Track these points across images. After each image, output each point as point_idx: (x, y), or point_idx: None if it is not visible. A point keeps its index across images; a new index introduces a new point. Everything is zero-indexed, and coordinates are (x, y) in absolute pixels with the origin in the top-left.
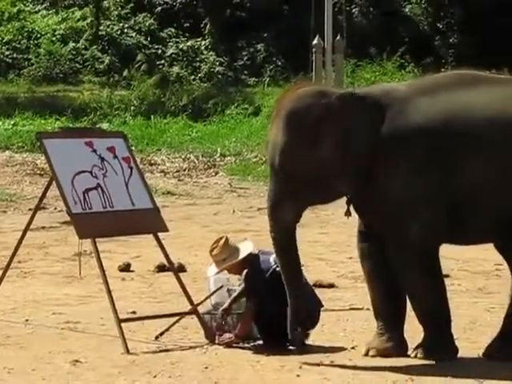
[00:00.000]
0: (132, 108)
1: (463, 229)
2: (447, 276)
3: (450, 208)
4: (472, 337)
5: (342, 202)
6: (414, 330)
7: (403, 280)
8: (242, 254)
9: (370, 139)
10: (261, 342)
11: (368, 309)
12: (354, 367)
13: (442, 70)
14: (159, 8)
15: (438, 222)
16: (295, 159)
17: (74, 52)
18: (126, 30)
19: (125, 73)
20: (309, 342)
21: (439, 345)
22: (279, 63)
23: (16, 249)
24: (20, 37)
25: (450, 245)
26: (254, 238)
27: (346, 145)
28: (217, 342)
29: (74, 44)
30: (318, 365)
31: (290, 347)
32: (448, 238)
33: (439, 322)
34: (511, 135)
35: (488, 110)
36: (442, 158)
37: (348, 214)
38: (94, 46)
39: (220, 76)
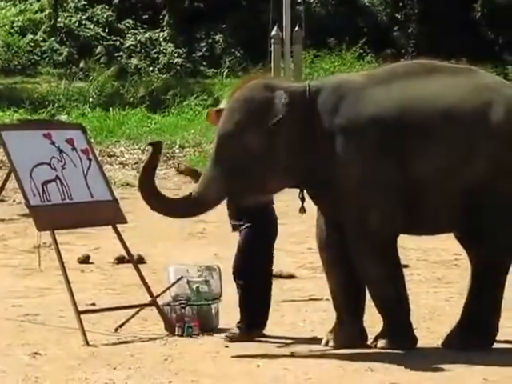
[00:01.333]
0: (90, 100)
1: (420, 218)
2: (406, 266)
3: (405, 197)
4: (431, 326)
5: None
6: (374, 320)
7: (362, 269)
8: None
9: (317, 133)
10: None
11: (327, 299)
12: (314, 357)
13: (401, 60)
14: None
15: (394, 210)
16: (237, 147)
17: (32, 44)
18: (83, 22)
19: (81, 64)
20: (268, 332)
21: (398, 334)
22: (238, 54)
23: None
24: None
25: (410, 235)
26: (213, 230)
27: (289, 138)
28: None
29: (32, 36)
30: (278, 355)
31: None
32: (406, 227)
33: (398, 312)
34: (463, 124)
35: (441, 100)
36: (395, 146)
37: (302, 210)
38: (52, 38)
39: (178, 67)
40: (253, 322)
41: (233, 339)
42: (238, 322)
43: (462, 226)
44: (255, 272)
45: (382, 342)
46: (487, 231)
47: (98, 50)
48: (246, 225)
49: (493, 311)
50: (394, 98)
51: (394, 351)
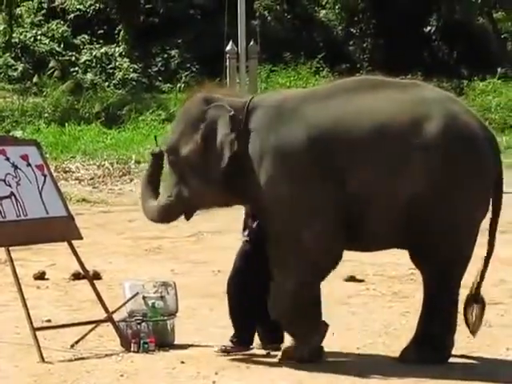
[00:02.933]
0: (45, 115)
1: (362, 234)
2: (362, 281)
3: (343, 215)
4: (387, 341)
5: None
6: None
7: (276, 283)
8: None
9: (250, 150)
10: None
11: None
12: (271, 372)
13: (357, 74)
14: (72, 15)
15: (328, 230)
16: (178, 158)
17: None
18: (39, 37)
19: (35, 79)
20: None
21: (302, 352)
22: (194, 69)
23: None
24: None
25: (359, 251)
26: (169, 245)
27: (216, 154)
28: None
29: None
30: (235, 371)
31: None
32: (350, 243)
33: (303, 329)
34: (397, 138)
35: (375, 115)
36: (328, 164)
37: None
38: (7, 54)
39: (134, 82)
40: (244, 336)
41: (226, 352)
42: (232, 336)
43: (405, 242)
44: (247, 287)
45: (281, 355)
46: (430, 246)
47: (51, 64)
48: (243, 239)
49: (446, 326)
50: (329, 115)
51: (356, 365)
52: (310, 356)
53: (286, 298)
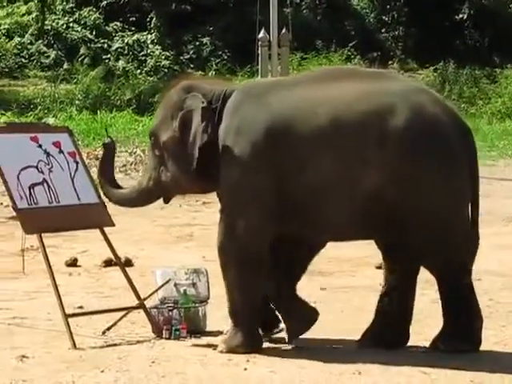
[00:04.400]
0: (77, 102)
1: (319, 225)
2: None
3: (292, 204)
4: (418, 329)
5: None
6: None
7: (224, 274)
8: None
9: (218, 136)
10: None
11: (315, 302)
12: (301, 360)
13: (390, 62)
14: (104, 2)
15: (268, 221)
16: (157, 143)
17: (20, 47)
18: (71, 25)
19: (65, 65)
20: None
21: (240, 338)
22: (225, 57)
23: None
24: None
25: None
26: (201, 232)
27: (189, 143)
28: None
29: (19, 39)
30: (266, 358)
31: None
32: (307, 231)
33: (246, 319)
34: (353, 130)
35: (334, 107)
36: (281, 155)
37: None
38: (40, 41)
39: (166, 70)
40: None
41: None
42: None
43: (374, 234)
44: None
45: (221, 346)
46: (404, 242)
47: (82, 51)
48: None
49: (467, 312)
50: (289, 104)
51: (382, 354)
52: (244, 343)
53: (228, 280)
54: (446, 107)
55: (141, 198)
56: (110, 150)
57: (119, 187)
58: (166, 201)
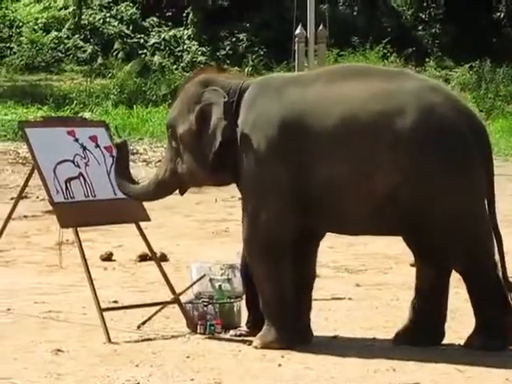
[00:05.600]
0: (112, 97)
1: (336, 219)
2: None
3: (309, 199)
4: (453, 326)
5: None
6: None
7: (251, 268)
8: None
9: (235, 129)
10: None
11: (350, 298)
12: (336, 356)
13: (426, 60)
14: None
15: (285, 212)
16: (173, 135)
17: (56, 41)
18: (108, 19)
19: (100, 60)
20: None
21: (274, 334)
22: (261, 53)
23: None
24: (2, 25)
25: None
26: (236, 228)
27: (208, 137)
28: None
29: (56, 33)
30: (300, 354)
31: None
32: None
33: (278, 313)
34: (365, 130)
35: (347, 106)
36: (296, 148)
37: None
38: (76, 35)
39: (202, 65)
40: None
41: (240, 337)
42: (247, 321)
43: (393, 231)
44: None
45: (257, 342)
46: (424, 237)
47: (116, 45)
48: None
49: (497, 306)
50: (304, 100)
51: (417, 351)
52: (278, 339)
53: (256, 275)
54: (459, 105)
55: (158, 190)
56: (123, 150)
57: (137, 183)
58: (182, 192)
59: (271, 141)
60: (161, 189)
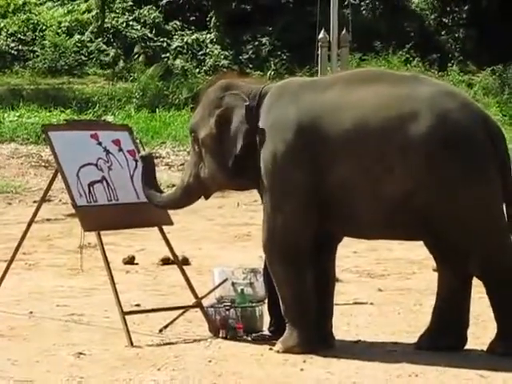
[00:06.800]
0: (134, 101)
1: (349, 222)
2: None
3: (317, 202)
4: (476, 332)
5: None
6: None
7: (270, 269)
8: None
9: (255, 133)
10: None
11: (372, 303)
12: (358, 361)
13: (449, 64)
14: (164, 1)
15: (302, 214)
16: (196, 139)
17: (79, 44)
18: (131, 23)
19: (121, 64)
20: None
21: (296, 338)
22: (284, 57)
23: (21, 241)
24: (25, 29)
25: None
26: (259, 232)
27: (229, 141)
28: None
29: (79, 36)
30: (322, 359)
31: None
32: (341, 231)
33: (298, 317)
34: (376, 135)
35: (360, 111)
36: (310, 153)
37: None
38: (99, 39)
39: (225, 69)
40: (280, 326)
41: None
42: (269, 325)
43: (402, 236)
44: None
45: (279, 346)
46: (441, 242)
47: (136, 49)
48: None
49: None
50: (320, 105)
51: (439, 356)
52: (300, 343)
53: (275, 279)
54: (474, 111)
55: (184, 196)
56: (149, 161)
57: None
58: (206, 197)
59: (288, 145)
60: (187, 194)
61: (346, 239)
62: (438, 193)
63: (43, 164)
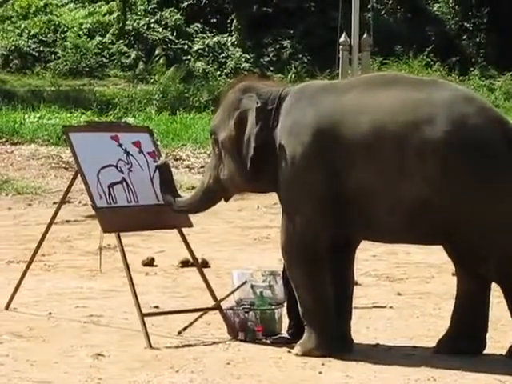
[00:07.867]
0: (154, 103)
1: (368, 226)
2: None
3: (340, 205)
4: (495, 336)
5: None
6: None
7: (289, 274)
8: None
9: (274, 136)
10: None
11: (391, 307)
12: (376, 365)
13: (471, 69)
14: (186, 3)
15: (319, 217)
16: (215, 141)
17: (101, 46)
18: (152, 25)
19: (141, 65)
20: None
21: (314, 341)
22: (305, 60)
23: (40, 242)
24: (47, 30)
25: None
26: (278, 235)
27: (245, 143)
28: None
29: (100, 38)
30: (341, 363)
31: None
32: (359, 234)
33: (317, 320)
34: (393, 140)
35: (378, 115)
36: (327, 157)
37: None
38: (121, 41)
39: (246, 72)
40: (299, 329)
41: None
42: (288, 328)
43: (421, 240)
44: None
45: (298, 349)
46: (458, 247)
47: (157, 51)
48: None
49: None
50: (337, 109)
51: (458, 361)
52: (318, 346)
53: (294, 281)
54: (492, 116)
55: (205, 198)
56: (164, 170)
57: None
58: (226, 200)
59: (306, 148)
60: (207, 197)
61: (364, 242)
62: (455, 197)
63: (63, 165)
